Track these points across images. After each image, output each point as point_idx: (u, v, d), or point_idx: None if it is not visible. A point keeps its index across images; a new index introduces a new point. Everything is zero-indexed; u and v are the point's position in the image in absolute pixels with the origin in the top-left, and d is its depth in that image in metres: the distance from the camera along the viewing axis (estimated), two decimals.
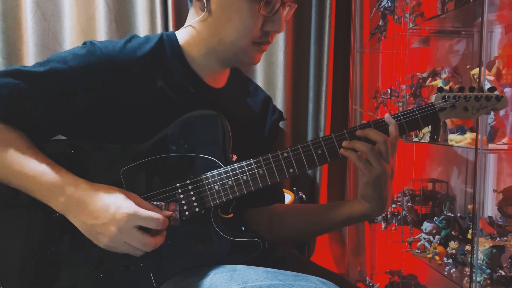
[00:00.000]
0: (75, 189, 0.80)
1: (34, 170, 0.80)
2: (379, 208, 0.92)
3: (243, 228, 1.03)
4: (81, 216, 0.79)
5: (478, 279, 1.28)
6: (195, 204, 0.86)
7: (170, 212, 0.85)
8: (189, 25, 0.94)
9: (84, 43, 0.89)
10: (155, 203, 0.84)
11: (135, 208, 0.79)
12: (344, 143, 0.88)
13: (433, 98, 0.91)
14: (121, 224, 0.78)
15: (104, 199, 0.79)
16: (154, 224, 0.80)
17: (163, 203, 0.84)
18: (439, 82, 1.64)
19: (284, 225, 1.05)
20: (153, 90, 0.90)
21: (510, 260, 1.29)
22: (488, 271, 1.27)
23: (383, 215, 1.95)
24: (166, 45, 0.94)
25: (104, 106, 0.87)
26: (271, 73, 2.06)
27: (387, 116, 0.89)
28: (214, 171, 0.87)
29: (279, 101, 2.06)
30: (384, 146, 0.86)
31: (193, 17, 0.94)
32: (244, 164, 0.87)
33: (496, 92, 0.92)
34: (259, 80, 2.06)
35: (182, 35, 0.96)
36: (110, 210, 0.78)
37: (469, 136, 1.39)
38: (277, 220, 1.06)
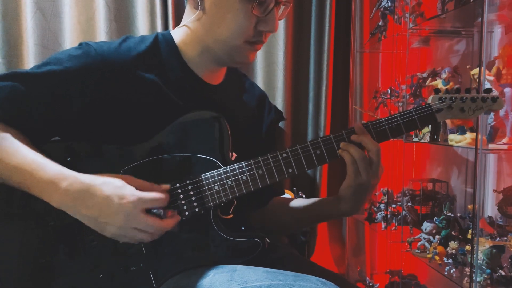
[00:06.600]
0: (71, 183, 0.79)
1: (30, 166, 0.80)
2: (350, 211, 0.96)
3: (243, 228, 1.03)
4: (82, 210, 0.78)
5: (478, 279, 1.28)
6: (195, 204, 0.86)
7: (168, 186, 0.85)
8: (184, 25, 0.95)
9: (80, 44, 0.89)
10: (154, 210, 0.82)
11: (138, 194, 0.79)
12: (341, 145, 0.89)
13: (430, 99, 0.92)
14: (127, 211, 0.77)
15: (104, 191, 0.78)
16: (160, 202, 0.81)
17: (161, 210, 0.83)
18: (439, 82, 1.63)
19: (275, 221, 1.10)
20: (150, 89, 0.90)
21: (510, 260, 1.29)
22: (488, 271, 1.27)
23: (383, 215, 1.95)
24: (162, 44, 0.94)
25: (101, 106, 0.87)
26: (271, 73, 2.06)
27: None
28: (214, 171, 0.87)
29: (279, 101, 2.05)
30: (376, 156, 0.88)
31: (189, 16, 0.94)
32: (243, 164, 0.87)
33: (492, 94, 0.93)
34: (259, 80, 2.06)
35: (178, 34, 0.96)
36: (113, 201, 0.77)
37: (469, 136, 1.39)
38: (268, 216, 1.10)
